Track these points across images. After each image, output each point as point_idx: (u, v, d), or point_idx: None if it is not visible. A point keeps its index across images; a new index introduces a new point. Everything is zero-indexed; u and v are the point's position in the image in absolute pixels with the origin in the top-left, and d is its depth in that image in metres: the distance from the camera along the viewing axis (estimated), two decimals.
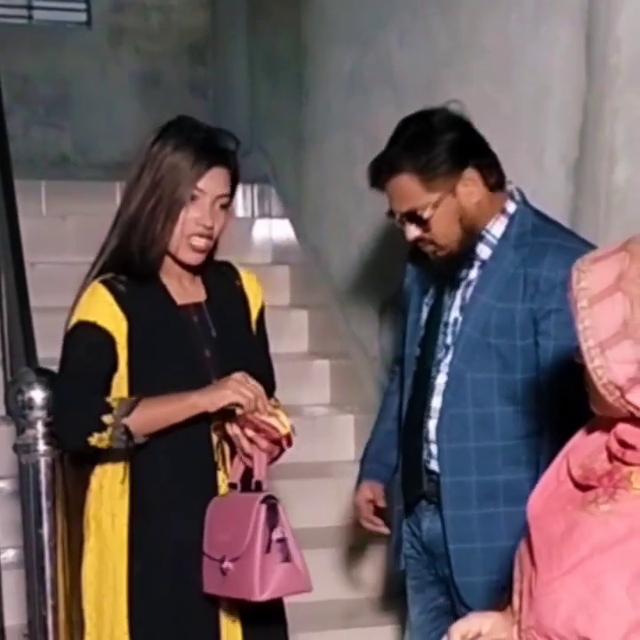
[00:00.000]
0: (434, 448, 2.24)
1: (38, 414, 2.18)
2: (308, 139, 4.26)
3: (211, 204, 2.14)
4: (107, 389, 2.11)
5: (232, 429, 2.11)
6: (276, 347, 3.96)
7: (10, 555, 3.05)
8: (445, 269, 2.26)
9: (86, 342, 2.11)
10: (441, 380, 2.23)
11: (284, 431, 2.08)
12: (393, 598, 3.11)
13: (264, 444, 2.09)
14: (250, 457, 2.11)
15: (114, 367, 2.11)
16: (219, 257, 2.30)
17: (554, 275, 2.09)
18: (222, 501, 2.12)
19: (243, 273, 2.35)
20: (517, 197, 2.25)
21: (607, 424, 1.45)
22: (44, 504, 2.15)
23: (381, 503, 2.44)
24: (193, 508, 2.12)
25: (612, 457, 1.43)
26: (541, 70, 2.67)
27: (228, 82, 5.46)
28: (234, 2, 5.37)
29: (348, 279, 3.85)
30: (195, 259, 2.17)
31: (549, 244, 2.14)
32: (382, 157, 2.21)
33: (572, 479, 1.47)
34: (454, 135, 2.18)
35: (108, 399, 2.07)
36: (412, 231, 2.20)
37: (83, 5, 5.87)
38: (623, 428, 1.41)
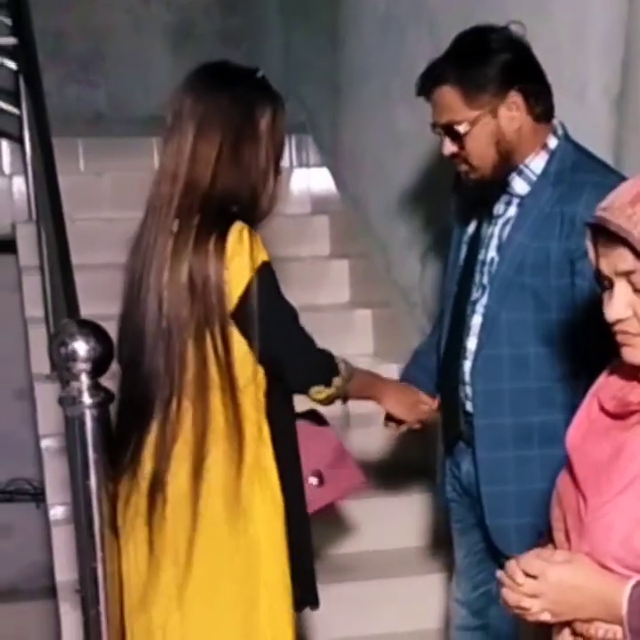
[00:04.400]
0: (469, 389, 2.23)
1: (82, 366, 2.15)
2: (343, 85, 4.20)
3: None
4: None
5: None
6: (317, 297, 4.00)
7: (59, 511, 3.09)
8: (477, 196, 2.23)
9: (278, 285, 2.14)
10: (476, 320, 2.22)
11: None
12: (440, 546, 3.11)
13: None
14: None
15: None
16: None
17: (590, 213, 2.04)
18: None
19: None
20: (560, 132, 2.20)
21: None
22: (91, 456, 2.13)
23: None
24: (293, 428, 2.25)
25: None
26: (580, 1, 2.60)
27: (260, 31, 5.40)
28: None
29: (389, 226, 3.81)
30: None
31: (587, 181, 2.10)
32: (431, 66, 2.19)
33: (607, 413, 1.47)
34: (508, 56, 2.14)
35: (336, 359, 2.19)
36: (449, 146, 2.19)
37: None
38: None
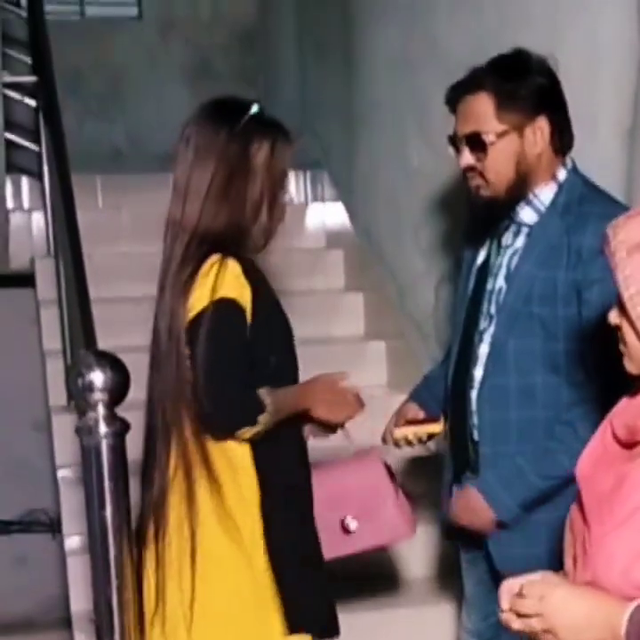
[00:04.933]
0: (476, 418, 2.24)
1: (99, 396, 2.17)
2: (358, 120, 4.26)
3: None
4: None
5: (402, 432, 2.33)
6: (331, 329, 4.03)
7: (75, 541, 3.12)
8: (485, 219, 2.25)
9: (236, 325, 2.08)
10: (483, 349, 2.23)
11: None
12: (450, 576, 3.11)
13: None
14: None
15: None
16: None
17: (596, 243, 2.06)
18: (324, 469, 2.27)
19: None
20: (569, 165, 2.23)
21: None
22: (107, 485, 2.15)
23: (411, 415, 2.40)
24: (305, 479, 2.21)
25: None
26: (592, 38, 2.63)
27: (277, 68, 5.48)
28: None
29: (402, 258, 3.84)
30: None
31: (593, 212, 2.12)
32: (469, 74, 2.20)
33: (618, 441, 1.48)
34: (545, 81, 2.18)
35: (261, 395, 2.09)
36: (467, 157, 2.19)
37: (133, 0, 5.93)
38: None
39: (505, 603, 1.41)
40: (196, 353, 2.09)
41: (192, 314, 2.09)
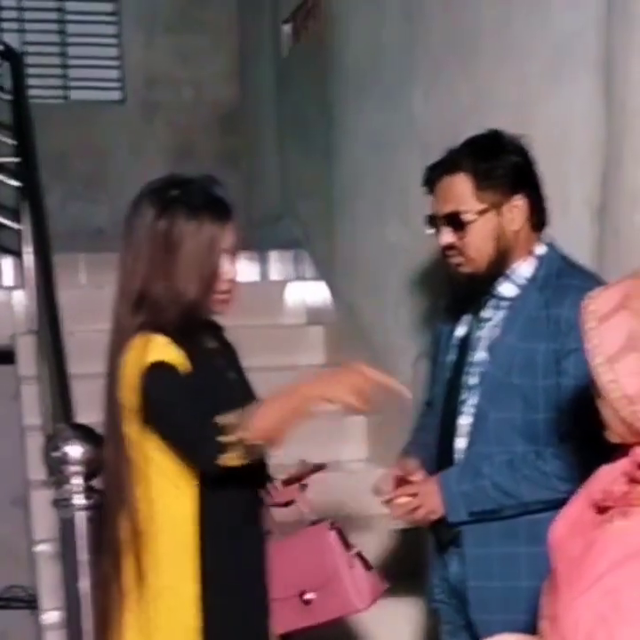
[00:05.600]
0: None
1: (75, 469, 2.21)
2: (338, 199, 4.32)
3: (231, 257, 2.18)
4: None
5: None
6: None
7: (52, 616, 3.09)
8: (465, 295, 2.28)
9: (171, 375, 2.09)
10: (465, 420, 2.26)
11: None
12: None
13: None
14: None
15: None
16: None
17: (573, 315, 2.10)
18: (282, 542, 2.27)
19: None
20: (546, 241, 2.28)
21: (626, 452, 1.48)
22: (83, 557, 2.17)
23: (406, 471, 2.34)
24: (253, 539, 2.21)
25: (630, 479, 1.45)
26: (562, 119, 2.71)
27: (258, 150, 5.57)
28: (261, 72, 5.51)
29: (382, 334, 3.88)
30: (226, 308, 2.21)
31: (571, 285, 2.17)
32: (446, 155, 2.25)
33: (594, 505, 1.49)
34: (520, 160, 2.24)
35: (217, 419, 2.04)
36: (447, 236, 2.23)
37: (117, 84, 6.04)
38: None
39: None
40: (149, 421, 2.10)
41: (134, 394, 2.11)
